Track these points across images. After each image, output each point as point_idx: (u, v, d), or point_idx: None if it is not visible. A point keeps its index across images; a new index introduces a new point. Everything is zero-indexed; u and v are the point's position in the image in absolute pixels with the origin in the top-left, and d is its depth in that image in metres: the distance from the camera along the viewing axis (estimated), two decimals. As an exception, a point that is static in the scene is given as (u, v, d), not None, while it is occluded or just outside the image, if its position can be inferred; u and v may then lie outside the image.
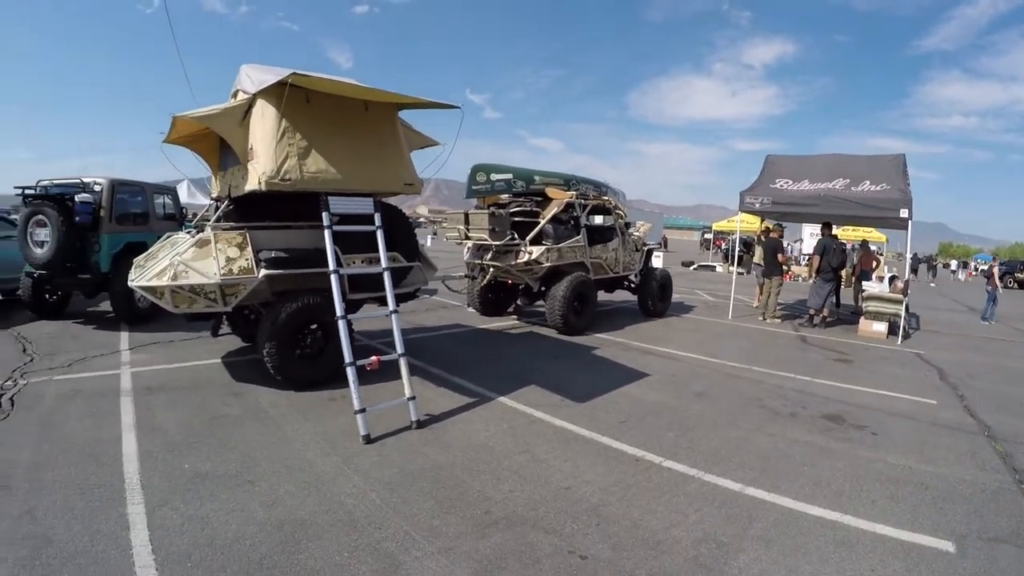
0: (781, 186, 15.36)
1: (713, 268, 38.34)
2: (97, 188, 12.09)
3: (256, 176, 7.46)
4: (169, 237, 9.22)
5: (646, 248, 16.60)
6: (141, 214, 12.94)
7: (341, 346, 6.88)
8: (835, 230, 16.75)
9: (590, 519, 4.97)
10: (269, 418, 7.07)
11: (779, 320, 16.52)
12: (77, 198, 11.64)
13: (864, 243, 21.19)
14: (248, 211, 8.97)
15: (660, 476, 5.90)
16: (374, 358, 7.01)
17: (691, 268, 38.80)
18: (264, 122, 7.45)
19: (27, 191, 12.06)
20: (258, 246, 8.02)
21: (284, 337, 7.98)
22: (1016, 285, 45.00)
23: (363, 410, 6.47)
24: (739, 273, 21.21)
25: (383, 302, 8.07)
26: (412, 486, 5.46)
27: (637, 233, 16.37)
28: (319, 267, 7.65)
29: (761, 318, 16.68)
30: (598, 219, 15.47)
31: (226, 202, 9.15)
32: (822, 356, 12.14)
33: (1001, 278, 44.50)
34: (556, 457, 6.24)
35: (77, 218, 11.51)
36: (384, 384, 7.82)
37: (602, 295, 15.65)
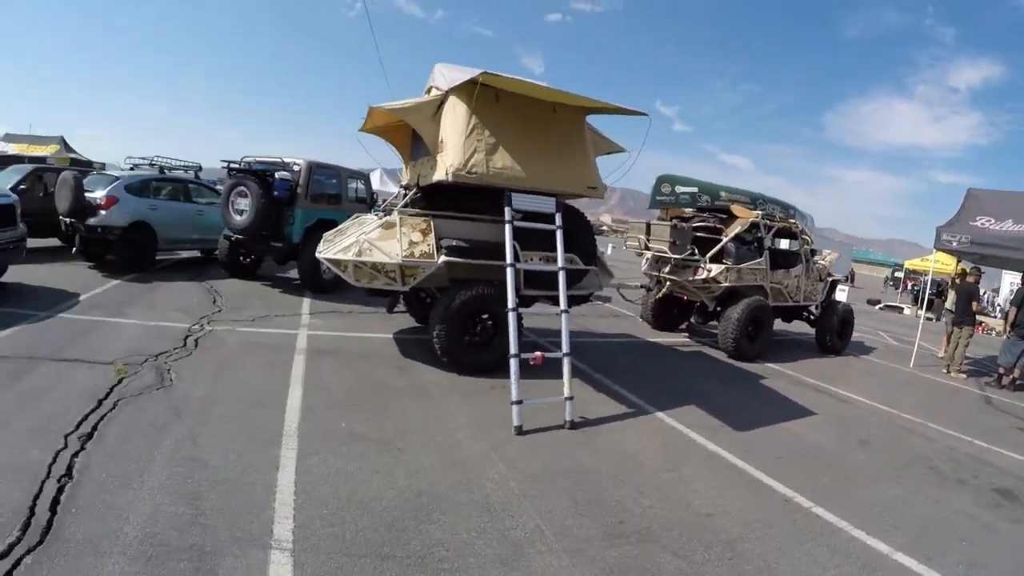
0: (982, 224, 13.82)
1: (900, 310, 36.27)
2: (296, 168, 13.33)
3: (444, 167, 7.87)
4: (358, 217, 9.83)
5: (830, 279, 15.78)
6: (334, 195, 14.09)
7: (508, 337, 7.18)
8: None
9: (723, 552, 4.91)
10: (429, 395, 7.49)
11: (964, 375, 15.13)
12: (276, 175, 12.95)
13: None
14: (434, 201, 9.39)
15: (806, 522, 5.73)
16: (538, 353, 7.26)
17: (877, 307, 36.77)
18: (455, 117, 7.89)
19: (232, 165, 13.61)
20: (440, 234, 8.40)
21: (456, 322, 8.37)
22: None
23: (520, 401, 6.68)
24: (927, 318, 19.95)
25: (556, 301, 8.15)
26: (553, 483, 5.59)
27: (823, 262, 15.64)
28: (497, 260, 7.88)
29: (945, 370, 15.39)
30: (783, 243, 15.07)
31: (414, 190, 9.63)
32: (1006, 422, 11.23)
33: None
34: (703, 482, 6.20)
35: (275, 192, 12.72)
36: (545, 381, 7.77)
37: (778, 324, 15.18)
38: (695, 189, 13.35)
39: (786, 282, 13.96)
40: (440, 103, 8.17)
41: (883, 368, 14.93)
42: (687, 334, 14.77)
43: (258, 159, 13.88)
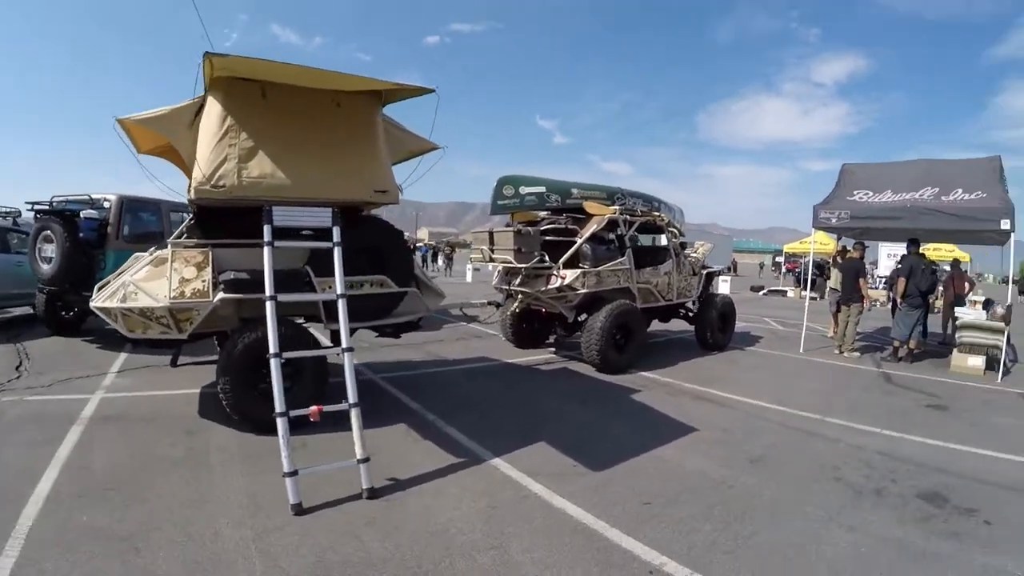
0: (860, 198, 13.45)
1: (784, 293, 36.07)
2: (106, 204, 11.88)
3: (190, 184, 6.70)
4: (139, 256, 8.22)
5: (705, 272, 14.61)
6: (154, 232, 12.31)
7: (307, 384, 6.62)
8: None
9: None
10: (206, 466, 6.10)
11: (858, 353, 14.33)
12: (82, 214, 11.52)
13: (956, 262, 18.65)
14: (216, 226, 7.62)
15: (681, 605, 4.06)
16: (314, 408, 5.74)
17: (760, 293, 36.72)
18: (208, 121, 6.60)
19: (37, 206, 11.99)
20: (221, 266, 6.95)
21: (241, 371, 6.84)
22: None
23: (294, 472, 5.20)
24: (812, 298, 19.26)
25: (382, 331, 8.00)
26: (321, 586, 4.17)
27: (695, 254, 14.61)
28: (291, 290, 6.50)
29: (837, 351, 14.50)
30: (646, 238, 13.88)
31: (189, 216, 8.11)
32: (911, 401, 10.07)
33: None
34: (536, 560, 4.55)
35: (81, 234, 11.33)
36: (372, 431, 6.50)
37: (657, 325, 14.32)
38: (542, 189, 11.85)
39: (655, 280, 12.73)
40: (200, 108, 6.82)
41: (772, 359, 13.77)
42: (553, 349, 13.31)
43: (65, 197, 12.27)
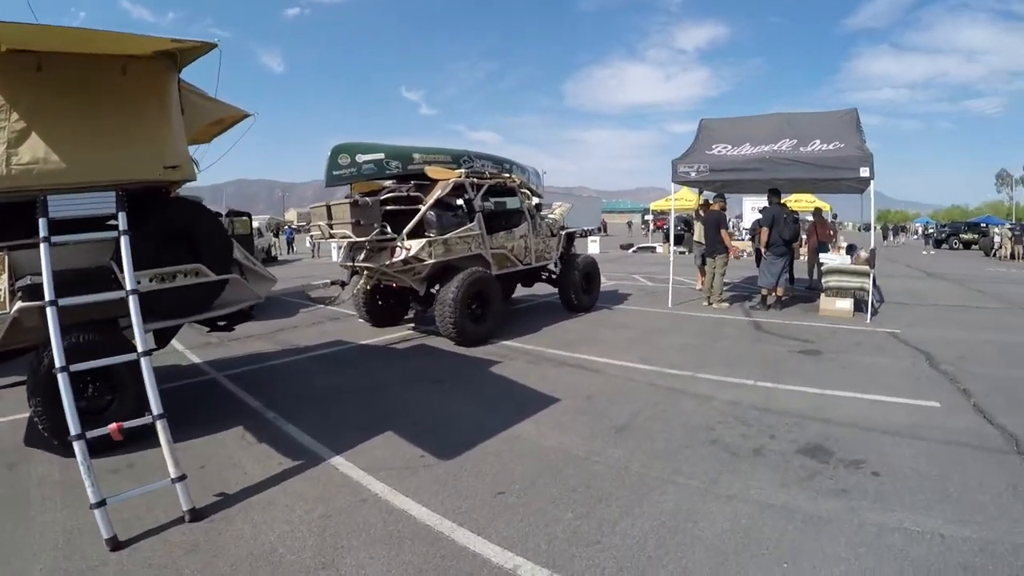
0: (719, 151, 13.34)
1: (653, 249, 36.25)
2: None
3: None
4: None
5: (564, 232, 14.10)
6: None
7: (146, 395, 5.09)
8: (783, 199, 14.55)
9: None
10: (24, 501, 5.26)
11: (726, 304, 14.17)
12: None
13: (818, 211, 19.14)
14: (22, 223, 6.20)
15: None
16: (113, 425, 4.92)
17: (631, 251, 36.97)
18: None
19: None
20: (21, 271, 5.96)
21: (53, 390, 5.42)
22: (961, 246, 46.20)
23: (101, 503, 4.41)
24: (680, 253, 19.14)
25: (212, 325, 7.62)
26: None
27: (552, 215, 14.02)
28: (97, 290, 5.43)
29: (706, 303, 14.28)
30: (496, 202, 13.10)
31: None
32: (783, 348, 9.76)
33: (947, 239, 47.41)
34: (374, 573, 3.85)
35: None
36: (203, 439, 6.21)
37: (521, 290, 13.87)
38: (380, 155, 10.96)
39: (510, 244, 12.10)
40: None
41: (640, 315, 13.33)
42: (413, 326, 12.50)
43: None
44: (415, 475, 5.30)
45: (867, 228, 15.79)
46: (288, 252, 37.00)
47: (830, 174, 12.01)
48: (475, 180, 11.54)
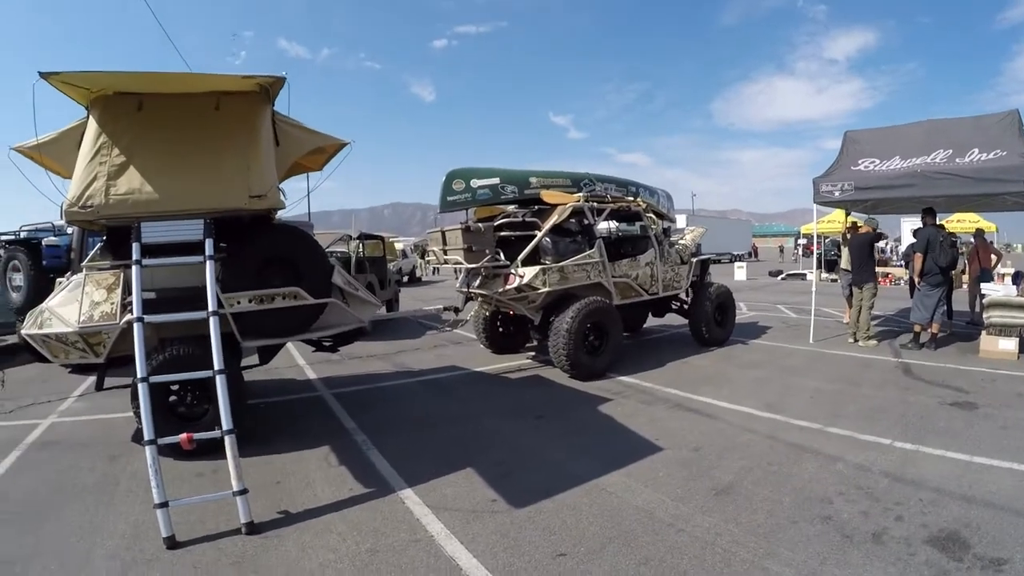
0: (865, 167, 12.14)
1: (804, 276, 34.52)
2: (69, 231, 11.61)
3: None
4: (59, 280, 8.11)
5: (696, 260, 13.28)
6: None
7: (239, 408, 6.01)
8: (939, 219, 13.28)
9: None
10: (113, 492, 5.90)
11: (874, 342, 12.83)
12: (44, 241, 11.51)
13: (979, 232, 16.85)
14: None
15: None
16: (183, 435, 5.46)
17: (779, 278, 35.21)
18: (84, 141, 6.28)
19: (3, 235, 12.37)
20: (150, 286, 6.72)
21: (153, 394, 5.89)
22: None
23: (164, 504, 4.86)
24: (832, 280, 18.00)
25: (317, 345, 8.12)
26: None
27: (683, 241, 13.25)
28: (199, 308, 5.84)
29: (851, 339, 13.02)
30: (615, 226, 12.48)
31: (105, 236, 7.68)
32: (932, 399, 8.58)
33: None
34: None
35: (45, 261, 11.26)
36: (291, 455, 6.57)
37: (653, 320, 13.33)
38: (496, 180, 10.69)
39: (635, 273, 11.44)
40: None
41: (776, 352, 12.30)
42: (533, 354, 12.06)
43: (34, 226, 12.73)
44: (479, 520, 4.98)
45: None
46: (433, 273, 37.59)
47: (991, 188, 10.69)
48: (595, 205, 11.05)
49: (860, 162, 12.32)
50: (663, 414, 7.93)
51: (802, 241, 51.85)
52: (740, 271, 35.37)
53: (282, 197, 7.00)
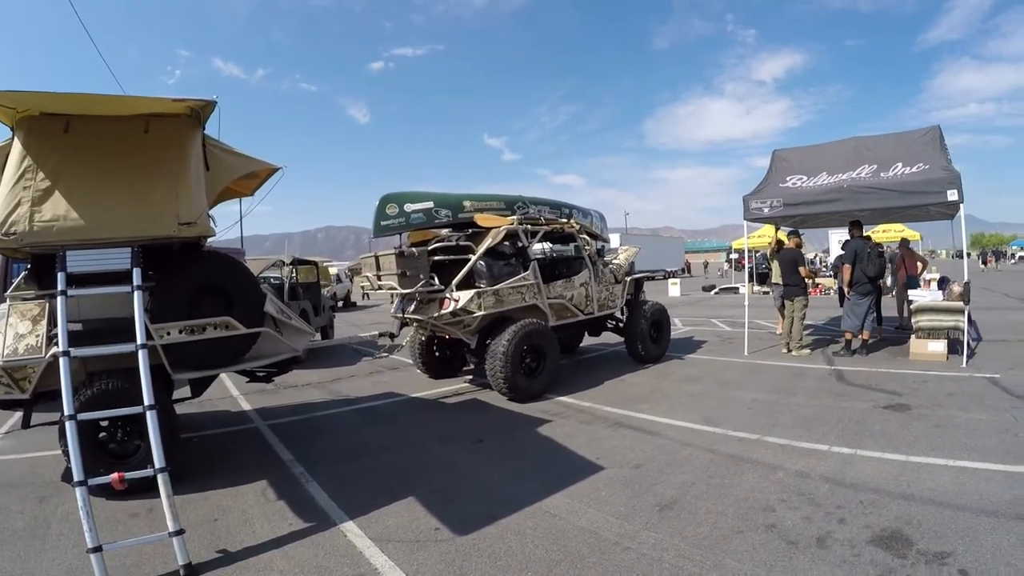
0: (793, 184, 12.54)
1: (736, 290, 35.05)
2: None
3: None
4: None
5: (630, 279, 13.37)
6: None
7: (171, 445, 5.76)
8: (866, 231, 13.64)
9: None
10: (44, 536, 5.56)
11: (807, 351, 13.13)
12: None
13: (904, 241, 17.82)
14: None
15: None
16: (115, 475, 5.15)
17: (712, 292, 35.76)
18: (8, 164, 5.99)
19: None
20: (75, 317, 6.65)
21: (80, 432, 5.63)
22: None
23: (98, 548, 4.55)
24: (764, 293, 18.35)
25: (251, 376, 7.90)
26: None
27: (617, 260, 13.30)
28: (128, 340, 5.57)
29: (785, 350, 13.31)
30: (549, 247, 12.39)
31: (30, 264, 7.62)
32: (866, 402, 8.78)
33: None
34: None
35: None
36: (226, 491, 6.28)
37: (590, 339, 13.44)
38: (430, 204, 10.54)
39: (570, 294, 11.48)
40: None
41: (711, 366, 12.41)
42: (470, 377, 11.96)
43: None
44: (423, 550, 4.85)
45: (960, 256, 14.62)
46: (365, 298, 37.19)
47: (915, 200, 11.09)
48: (529, 227, 11.03)
49: (788, 179, 12.66)
50: (603, 433, 7.90)
51: (734, 256, 52.89)
52: (674, 287, 35.75)
53: (212, 224, 6.76)
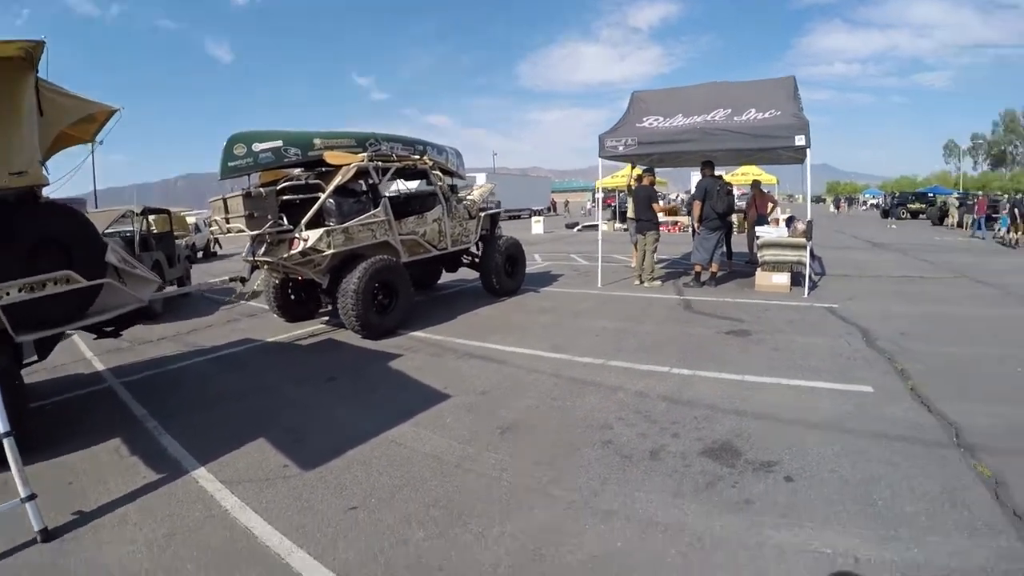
0: (650, 124, 12.88)
1: (596, 227, 35.54)
2: None
3: None
4: None
5: (484, 214, 13.40)
6: None
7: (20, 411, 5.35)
8: (725, 174, 14.19)
9: None
10: None
11: (659, 282, 13.74)
12: None
13: (756, 183, 18.62)
14: None
15: None
16: None
17: (575, 230, 36.26)
18: None
19: None
20: None
21: None
22: (909, 216, 47.76)
23: None
24: (624, 230, 18.88)
25: (98, 332, 7.39)
26: None
27: (471, 196, 13.34)
28: None
29: (638, 282, 13.82)
30: (402, 185, 12.30)
31: None
32: (710, 328, 9.25)
33: (894, 209, 49.24)
34: None
35: None
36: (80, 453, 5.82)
37: (449, 276, 13.58)
38: (279, 143, 10.16)
39: (422, 230, 11.45)
40: None
41: (567, 297, 12.78)
42: (327, 318, 11.85)
43: None
44: (272, 488, 4.86)
45: (818, 200, 15.25)
46: (217, 247, 35.84)
47: (765, 143, 11.66)
48: (380, 164, 10.87)
49: (645, 120, 12.97)
50: (452, 363, 8.04)
51: (600, 195, 53.62)
52: (537, 225, 36.09)
53: (46, 172, 6.37)
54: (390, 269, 10.09)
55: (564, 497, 4.33)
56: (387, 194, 10.78)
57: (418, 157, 12.05)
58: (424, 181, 12.11)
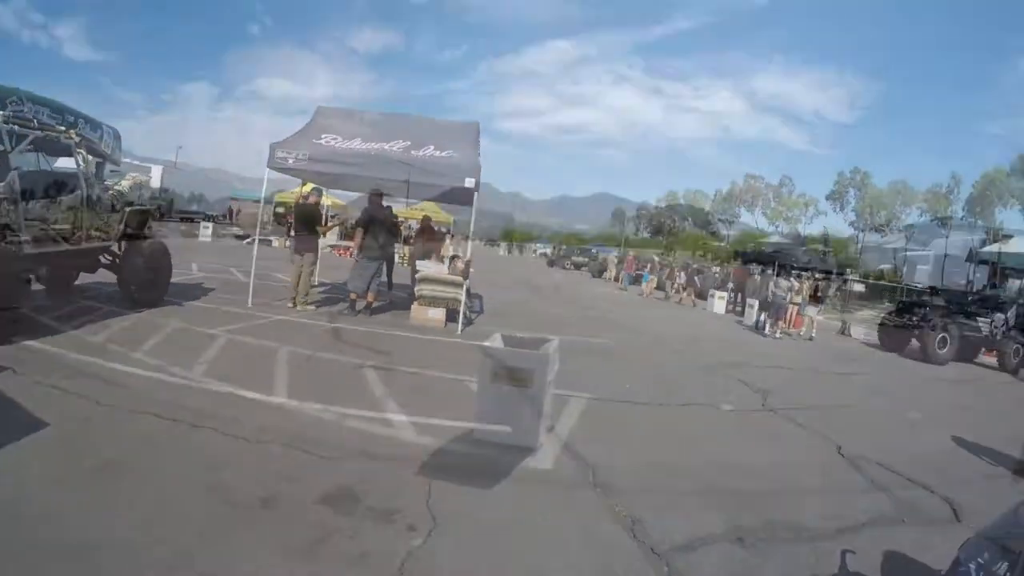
0: (327, 142, 12.81)
1: (270, 243, 33.99)
2: None
3: None
4: None
5: (129, 210, 11.51)
6: None
7: None
8: (407, 207, 14.35)
9: None
10: None
11: (312, 307, 13.35)
12: None
13: (426, 218, 19.26)
14: None
15: None
16: None
17: (245, 242, 33.98)
18: None
19: None
20: None
21: None
22: (573, 267, 55.49)
23: None
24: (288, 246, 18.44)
25: None
26: None
27: (119, 187, 11.97)
28: None
29: (291, 304, 13.16)
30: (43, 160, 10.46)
31: None
32: (353, 358, 9.10)
33: (559, 259, 57.12)
34: None
35: None
36: None
37: (90, 277, 11.67)
38: None
39: (53, 217, 9.51)
40: None
41: (206, 314, 11.58)
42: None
43: None
44: None
45: (493, 243, 15.71)
46: None
47: (436, 180, 12.46)
48: (16, 128, 8.87)
49: (323, 136, 12.96)
50: (64, 383, 6.59)
51: (280, 209, 52.12)
52: (207, 231, 34.28)
53: None
54: (4, 259, 8.05)
55: (155, 561, 3.59)
56: (16, 168, 8.82)
57: (64, 129, 10.10)
58: (67, 159, 10.46)
